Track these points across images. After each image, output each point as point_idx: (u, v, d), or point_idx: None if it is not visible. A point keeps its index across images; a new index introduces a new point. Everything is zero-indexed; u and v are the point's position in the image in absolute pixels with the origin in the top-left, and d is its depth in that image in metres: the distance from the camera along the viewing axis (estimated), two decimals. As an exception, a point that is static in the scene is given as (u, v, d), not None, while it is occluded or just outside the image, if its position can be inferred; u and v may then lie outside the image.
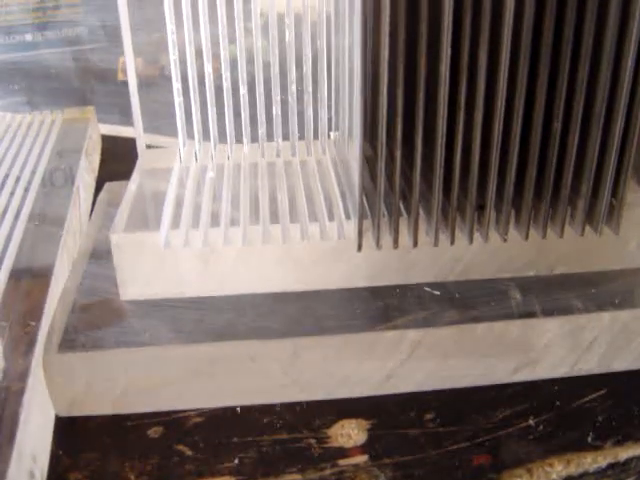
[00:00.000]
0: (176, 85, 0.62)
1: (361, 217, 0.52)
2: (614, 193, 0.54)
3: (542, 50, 0.49)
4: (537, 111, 0.50)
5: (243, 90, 0.62)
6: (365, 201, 0.53)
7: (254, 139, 0.65)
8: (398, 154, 0.51)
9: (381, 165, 0.50)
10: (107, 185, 0.69)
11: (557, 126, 0.51)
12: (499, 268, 0.57)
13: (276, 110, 0.63)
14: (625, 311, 0.54)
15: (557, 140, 0.51)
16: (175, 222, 0.54)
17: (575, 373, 0.55)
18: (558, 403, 0.54)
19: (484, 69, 0.49)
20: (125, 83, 0.64)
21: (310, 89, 0.63)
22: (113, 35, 0.82)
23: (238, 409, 0.53)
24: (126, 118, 0.73)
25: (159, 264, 0.54)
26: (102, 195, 0.68)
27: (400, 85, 0.48)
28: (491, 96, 0.50)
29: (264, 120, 0.64)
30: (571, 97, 0.50)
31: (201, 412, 0.53)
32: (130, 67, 0.61)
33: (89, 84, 0.81)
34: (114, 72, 0.86)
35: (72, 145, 0.75)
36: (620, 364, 0.56)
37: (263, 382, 0.53)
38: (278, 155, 0.64)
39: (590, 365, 0.55)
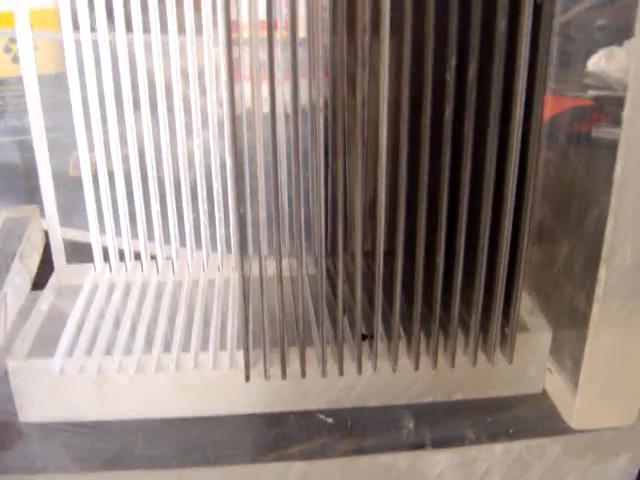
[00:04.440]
0: (91, 208, 0.65)
1: (247, 349, 0.55)
2: (506, 323, 0.56)
3: (419, 191, 0.51)
4: (419, 245, 0.53)
5: (156, 207, 0.66)
6: (263, 329, 0.56)
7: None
8: (280, 287, 0.53)
9: (263, 298, 0.53)
10: (31, 294, 0.72)
11: (440, 260, 0.54)
12: (395, 395, 0.59)
13: (189, 226, 0.67)
14: (518, 442, 0.56)
15: (440, 274, 0.54)
16: (72, 349, 0.57)
17: (471, 503, 0.57)
18: (450, 535, 0.55)
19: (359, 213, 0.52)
20: (76, 179, 0.68)
21: (222, 205, 0.66)
22: (66, 129, 0.85)
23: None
24: (72, 217, 0.76)
25: (55, 389, 0.57)
26: (25, 304, 0.72)
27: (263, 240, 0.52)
28: (371, 234, 0.53)
29: (177, 236, 0.67)
30: (454, 231, 0.53)
31: (91, 538, 0.55)
32: (42, 167, 0.66)
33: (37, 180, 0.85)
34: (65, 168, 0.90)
35: (7, 248, 0.78)
36: (517, 494, 0.57)
37: (152, 510, 0.55)
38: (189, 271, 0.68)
39: (486, 495, 0.57)
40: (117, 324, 0.60)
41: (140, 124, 0.66)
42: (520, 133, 0.50)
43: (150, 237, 0.68)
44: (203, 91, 0.65)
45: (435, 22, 0.48)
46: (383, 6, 0.47)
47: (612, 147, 0.96)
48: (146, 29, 0.63)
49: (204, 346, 0.58)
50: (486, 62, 0.49)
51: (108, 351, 0.57)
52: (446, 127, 0.50)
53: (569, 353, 0.57)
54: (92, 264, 0.68)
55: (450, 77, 0.49)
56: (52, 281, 0.67)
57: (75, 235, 0.80)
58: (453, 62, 0.49)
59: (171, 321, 0.61)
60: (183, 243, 0.69)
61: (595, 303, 0.53)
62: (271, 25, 0.47)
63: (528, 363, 0.59)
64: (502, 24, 0.48)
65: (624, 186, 0.49)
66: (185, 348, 0.57)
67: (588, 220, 0.54)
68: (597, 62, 1.83)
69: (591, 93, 1.69)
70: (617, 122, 1.27)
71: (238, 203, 0.50)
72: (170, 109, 0.65)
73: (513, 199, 0.52)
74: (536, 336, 0.59)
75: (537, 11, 0.48)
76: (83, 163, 0.66)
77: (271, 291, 0.55)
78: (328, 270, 0.61)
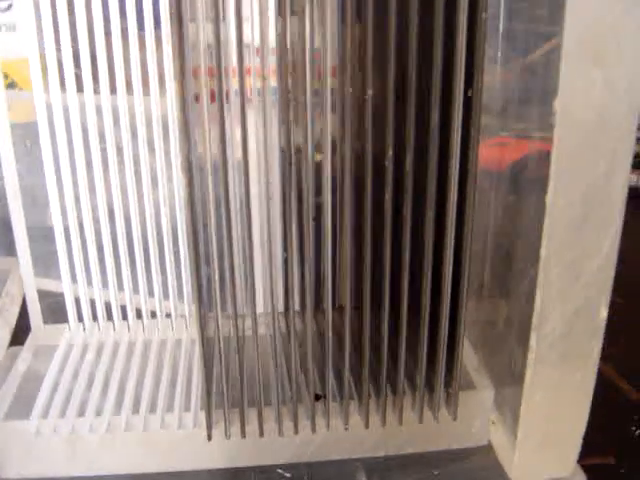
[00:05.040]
0: (64, 268, 0.70)
1: (208, 411, 0.59)
2: (450, 384, 0.61)
3: (363, 256, 0.56)
4: (364, 312, 0.58)
5: (127, 271, 0.71)
6: (223, 390, 0.60)
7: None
8: (236, 357, 0.58)
9: (221, 360, 0.58)
10: (10, 350, 0.77)
11: (384, 329, 0.59)
12: (350, 450, 0.63)
13: (158, 286, 0.71)
14: (463, 495, 0.61)
15: (386, 340, 0.59)
16: (47, 410, 0.62)
17: None
18: None
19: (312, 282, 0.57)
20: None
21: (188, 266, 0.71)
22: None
23: None
24: (48, 269, 0.81)
25: (32, 448, 0.61)
26: (3, 361, 0.76)
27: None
28: (319, 298, 0.58)
29: (147, 296, 0.72)
30: (398, 299, 0.58)
31: None
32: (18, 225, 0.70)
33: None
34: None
35: (-13, 302, 0.83)
36: None
37: None
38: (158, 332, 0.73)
39: None
40: (90, 385, 0.65)
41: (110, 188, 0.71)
42: (455, 213, 0.55)
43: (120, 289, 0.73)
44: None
45: (373, 113, 0.53)
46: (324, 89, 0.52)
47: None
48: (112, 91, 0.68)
49: (170, 406, 0.62)
50: (422, 150, 0.54)
51: (81, 412, 0.62)
52: (387, 207, 0.55)
53: (509, 409, 0.62)
54: (67, 324, 0.73)
55: (388, 164, 0.54)
56: (29, 342, 0.72)
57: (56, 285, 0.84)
58: (390, 152, 0.53)
59: (140, 381, 0.65)
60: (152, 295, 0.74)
61: (528, 368, 0.57)
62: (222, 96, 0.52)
63: (473, 418, 0.64)
64: (435, 116, 0.53)
65: (551, 262, 0.54)
66: (152, 409, 0.62)
67: (522, 286, 0.59)
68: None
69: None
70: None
71: (197, 264, 0.55)
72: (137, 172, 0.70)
73: (451, 266, 0.57)
74: (479, 393, 0.64)
75: (467, 102, 0.53)
76: (56, 224, 0.71)
77: (235, 351, 0.60)
78: (289, 329, 0.65)
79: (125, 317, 0.73)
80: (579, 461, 0.68)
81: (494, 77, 0.64)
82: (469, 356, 0.69)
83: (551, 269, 0.54)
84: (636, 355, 0.84)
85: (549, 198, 0.53)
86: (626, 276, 0.98)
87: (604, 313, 0.57)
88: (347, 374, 0.60)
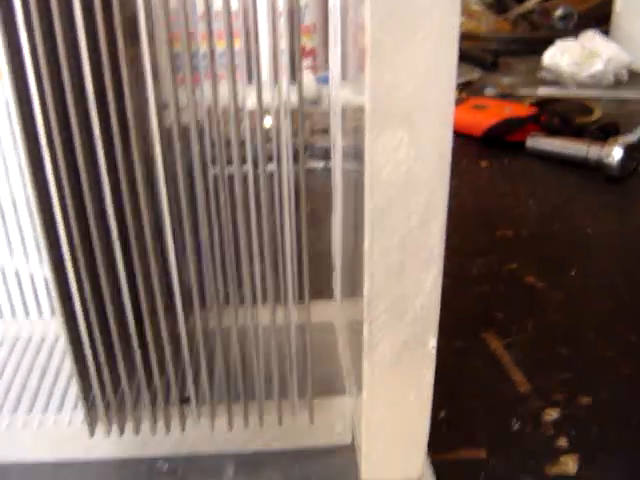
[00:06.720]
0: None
1: (87, 410, 0.68)
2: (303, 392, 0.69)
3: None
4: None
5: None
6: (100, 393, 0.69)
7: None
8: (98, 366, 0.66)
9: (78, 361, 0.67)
10: None
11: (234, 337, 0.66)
12: (222, 445, 0.72)
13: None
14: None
15: (238, 350, 0.66)
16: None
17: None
18: None
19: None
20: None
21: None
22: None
23: None
24: None
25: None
26: None
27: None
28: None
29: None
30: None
31: None
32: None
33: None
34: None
35: None
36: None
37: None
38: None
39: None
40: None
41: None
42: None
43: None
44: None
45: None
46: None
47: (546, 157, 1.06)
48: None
49: (61, 405, 0.72)
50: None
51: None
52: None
53: (358, 417, 0.69)
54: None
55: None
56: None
57: None
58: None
59: (41, 378, 0.75)
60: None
61: (364, 387, 0.64)
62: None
63: (335, 420, 0.71)
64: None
65: (374, 301, 0.59)
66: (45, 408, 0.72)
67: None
68: (553, 55, 1.85)
69: (541, 91, 1.74)
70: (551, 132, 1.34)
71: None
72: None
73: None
74: (342, 399, 0.71)
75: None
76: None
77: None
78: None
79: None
80: (449, 455, 0.76)
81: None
82: (346, 357, 0.75)
83: (376, 306, 0.60)
84: (541, 343, 0.89)
85: (366, 247, 0.58)
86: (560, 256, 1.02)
87: (433, 342, 0.62)
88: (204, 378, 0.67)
